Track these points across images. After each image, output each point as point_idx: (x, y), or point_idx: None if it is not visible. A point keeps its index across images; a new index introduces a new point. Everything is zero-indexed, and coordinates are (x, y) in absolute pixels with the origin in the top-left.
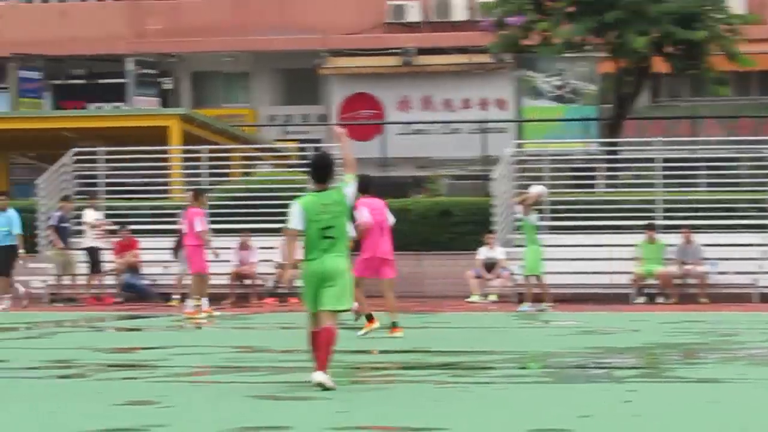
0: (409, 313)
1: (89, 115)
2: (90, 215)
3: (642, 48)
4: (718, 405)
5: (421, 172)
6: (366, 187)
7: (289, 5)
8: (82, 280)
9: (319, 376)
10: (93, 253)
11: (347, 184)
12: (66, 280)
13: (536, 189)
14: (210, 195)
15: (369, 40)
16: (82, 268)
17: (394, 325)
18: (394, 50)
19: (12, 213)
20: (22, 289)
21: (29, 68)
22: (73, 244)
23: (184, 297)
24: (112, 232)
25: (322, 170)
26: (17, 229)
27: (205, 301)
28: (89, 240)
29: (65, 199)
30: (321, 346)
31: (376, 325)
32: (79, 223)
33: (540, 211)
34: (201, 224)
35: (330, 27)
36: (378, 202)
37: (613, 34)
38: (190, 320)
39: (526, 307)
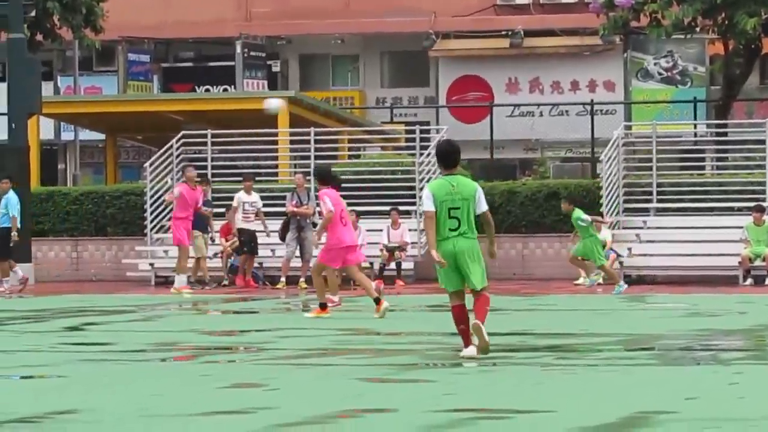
0: (516, 295)
1: (197, 98)
2: (241, 197)
3: (751, 29)
4: None
5: (529, 154)
6: (324, 178)
7: None
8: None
9: (470, 351)
10: (244, 235)
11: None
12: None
13: (271, 103)
14: None
15: (478, 22)
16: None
17: (377, 302)
18: (503, 32)
19: (10, 195)
20: (20, 274)
21: (138, 51)
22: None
23: (288, 280)
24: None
25: (449, 156)
26: (13, 211)
27: (182, 278)
28: (240, 222)
29: (202, 181)
30: (480, 311)
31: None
32: (228, 206)
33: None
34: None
35: (439, 9)
36: (335, 193)
37: (723, 16)
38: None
39: (622, 287)
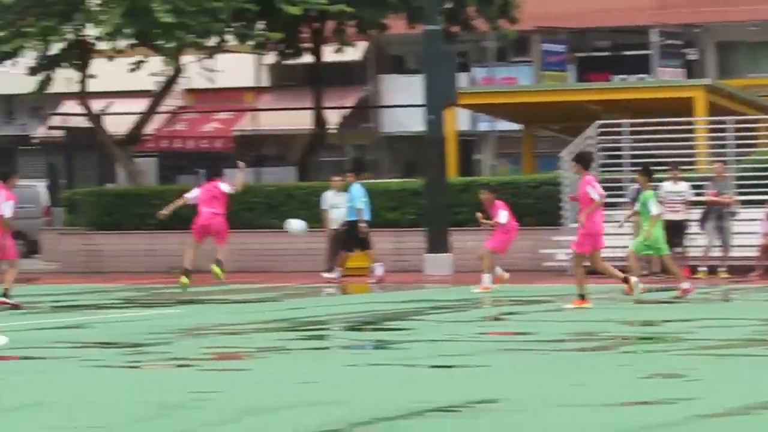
0: None
1: (612, 87)
2: (667, 187)
3: None
4: None
5: None
6: (588, 163)
7: None
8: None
9: None
10: (670, 226)
11: None
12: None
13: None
14: (737, 166)
15: None
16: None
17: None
18: None
19: (353, 188)
20: (380, 270)
21: (553, 41)
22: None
23: (711, 269)
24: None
25: None
26: (358, 204)
27: (486, 278)
28: (667, 213)
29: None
30: None
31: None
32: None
33: None
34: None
35: None
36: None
37: None
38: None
39: None
